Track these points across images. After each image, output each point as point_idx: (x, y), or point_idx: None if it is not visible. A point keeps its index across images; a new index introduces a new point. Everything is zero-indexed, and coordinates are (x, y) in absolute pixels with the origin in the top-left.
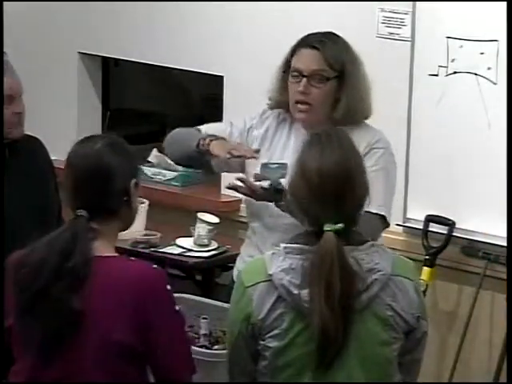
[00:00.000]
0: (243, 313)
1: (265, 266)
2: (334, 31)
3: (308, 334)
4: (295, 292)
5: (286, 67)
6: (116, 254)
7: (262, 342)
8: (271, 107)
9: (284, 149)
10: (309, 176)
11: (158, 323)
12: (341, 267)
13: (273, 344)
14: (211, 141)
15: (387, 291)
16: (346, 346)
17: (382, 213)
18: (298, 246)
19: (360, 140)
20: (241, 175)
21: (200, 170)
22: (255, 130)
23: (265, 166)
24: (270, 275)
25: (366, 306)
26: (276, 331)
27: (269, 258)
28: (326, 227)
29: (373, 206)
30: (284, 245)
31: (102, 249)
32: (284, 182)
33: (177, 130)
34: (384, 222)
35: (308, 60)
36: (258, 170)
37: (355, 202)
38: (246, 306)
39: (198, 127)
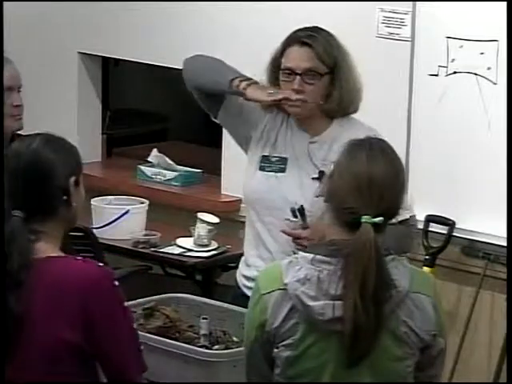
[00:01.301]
0: (259, 319)
1: (281, 274)
2: (332, 31)
3: (321, 346)
4: (309, 303)
5: (276, 65)
6: (61, 254)
7: (275, 351)
8: (263, 105)
9: (285, 145)
10: (356, 177)
11: (104, 321)
12: (377, 260)
13: (286, 353)
14: (248, 85)
15: (403, 308)
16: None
17: (409, 215)
18: (316, 256)
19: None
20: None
21: (204, 106)
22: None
23: (265, 158)
24: (286, 284)
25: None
26: (289, 341)
27: (285, 266)
28: (365, 219)
29: (404, 211)
30: (302, 254)
31: (46, 250)
32: (282, 175)
33: (204, 56)
34: (413, 220)
35: (299, 58)
36: (258, 162)
37: (394, 206)
38: (262, 313)
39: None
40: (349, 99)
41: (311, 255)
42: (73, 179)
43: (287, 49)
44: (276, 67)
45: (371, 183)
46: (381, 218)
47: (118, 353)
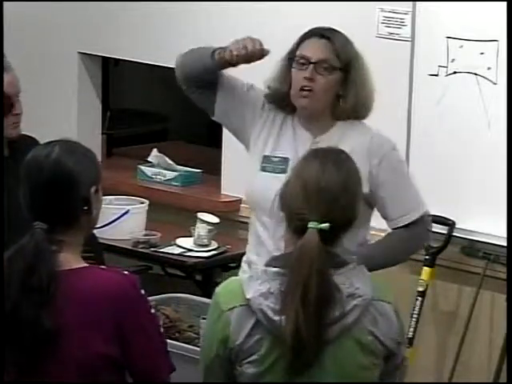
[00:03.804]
0: (220, 336)
1: (242, 290)
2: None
3: (287, 360)
4: (275, 318)
5: (291, 57)
6: (85, 265)
7: (239, 368)
8: (268, 96)
9: (288, 145)
10: (305, 181)
11: (134, 331)
12: (319, 269)
13: (250, 370)
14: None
15: (367, 316)
16: (323, 366)
17: (417, 216)
18: (276, 269)
19: (361, 144)
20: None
21: (199, 102)
22: (263, 116)
23: (267, 158)
24: (248, 299)
25: (345, 332)
26: (254, 357)
27: (246, 281)
28: (311, 225)
29: (415, 211)
30: (262, 268)
31: (70, 261)
32: (283, 176)
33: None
34: (427, 217)
35: (316, 48)
36: (258, 161)
37: (345, 216)
38: (223, 330)
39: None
40: (362, 102)
41: (270, 268)
42: (93, 189)
43: (305, 40)
44: (290, 58)
45: (319, 188)
46: (327, 224)
47: (148, 359)
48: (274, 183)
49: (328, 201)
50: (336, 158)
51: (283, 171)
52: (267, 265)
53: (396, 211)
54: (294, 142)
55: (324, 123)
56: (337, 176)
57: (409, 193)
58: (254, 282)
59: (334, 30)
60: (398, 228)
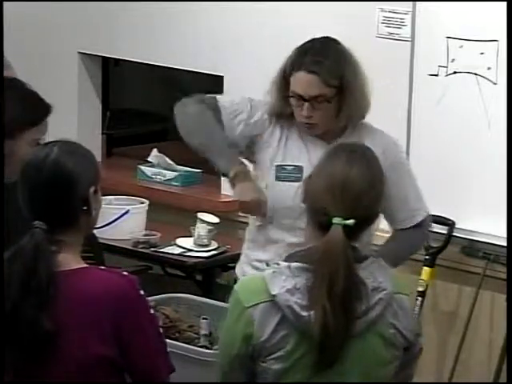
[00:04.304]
0: (242, 333)
1: (265, 286)
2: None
3: (313, 356)
4: (303, 314)
5: (284, 83)
6: (85, 265)
7: (263, 364)
8: (271, 113)
9: (299, 153)
10: (330, 177)
11: (133, 332)
12: (345, 264)
13: (275, 366)
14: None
15: (389, 310)
16: (346, 361)
17: (421, 218)
18: (300, 264)
19: (378, 146)
20: None
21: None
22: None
23: (280, 167)
24: (273, 296)
25: (370, 326)
26: (279, 353)
27: (270, 277)
28: (335, 220)
29: (419, 214)
30: (285, 263)
31: (69, 261)
32: (299, 184)
33: (193, 114)
34: (428, 218)
35: (307, 85)
36: (270, 170)
37: (369, 212)
38: (246, 327)
39: (216, 102)
40: (362, 108)
41: (294, 264)
42: (92, 189)
43: (295, 72)
44: (284, 85)
45: (345, 184)
46: (352, 221)
47: (148, 359)
48: (290, 190)
49: (354, 197)
50: (363, 154)
51: (298, 179)
52: (286, 261)
53: (402, 213)
54: (305, 150)
55: (334, 129)
56: (363, 172)
57: (414, 195)
58: (278, 278)
59: (322, 52)
60: (401, 229)
